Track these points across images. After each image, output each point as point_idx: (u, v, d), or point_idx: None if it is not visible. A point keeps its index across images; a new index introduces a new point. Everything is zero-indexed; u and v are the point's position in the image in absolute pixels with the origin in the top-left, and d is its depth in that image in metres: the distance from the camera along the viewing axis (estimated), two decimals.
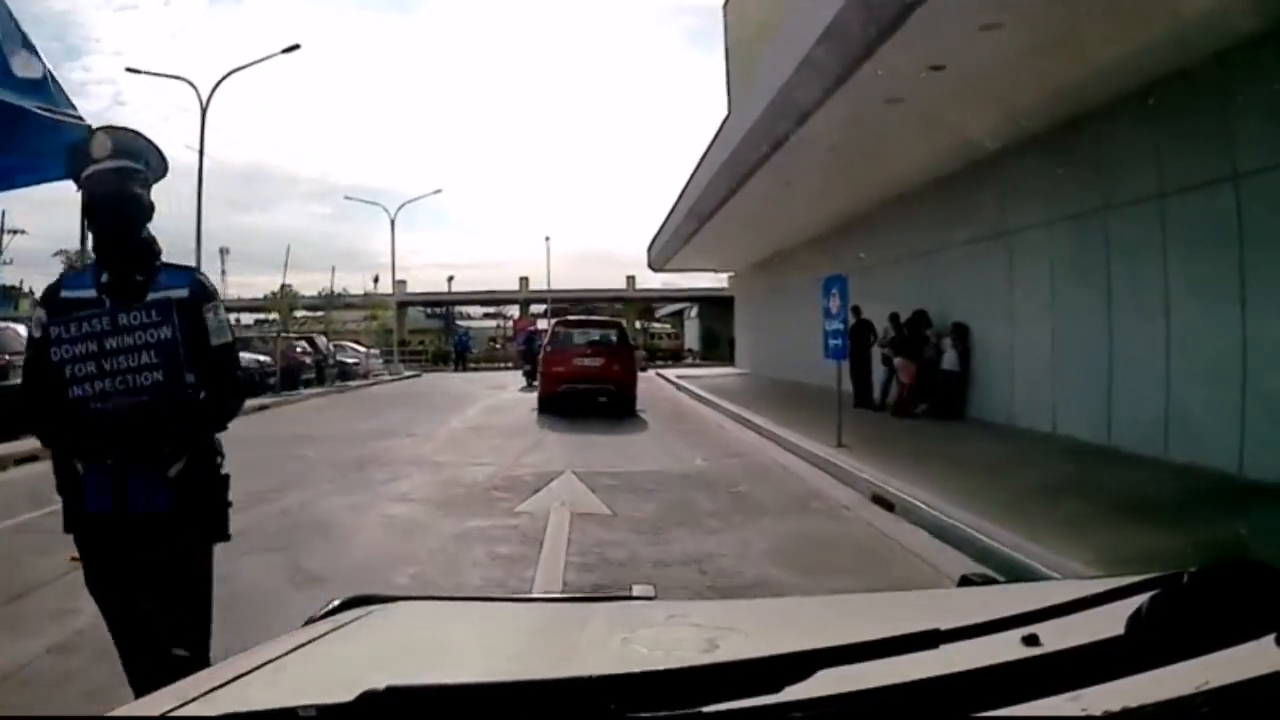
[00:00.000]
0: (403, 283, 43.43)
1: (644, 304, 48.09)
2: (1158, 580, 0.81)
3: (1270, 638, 0.67)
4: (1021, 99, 7.97)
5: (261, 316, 37.11)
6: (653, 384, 22.19)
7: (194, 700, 0.81)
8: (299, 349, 21.46)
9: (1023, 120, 8.73)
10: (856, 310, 12.89)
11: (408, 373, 29.06)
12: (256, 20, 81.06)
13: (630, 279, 45.32)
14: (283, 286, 19.99)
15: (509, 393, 19.42)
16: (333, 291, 24.20)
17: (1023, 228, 10.09)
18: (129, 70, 17.57)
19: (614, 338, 14.43)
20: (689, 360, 39.55)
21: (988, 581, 1.42)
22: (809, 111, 9.37)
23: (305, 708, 0.65)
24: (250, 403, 15.66)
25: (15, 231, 41.49)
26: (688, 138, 79.98)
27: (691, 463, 8.51)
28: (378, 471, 7.91)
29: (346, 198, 39.64)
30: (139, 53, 77.85)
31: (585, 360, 13.64)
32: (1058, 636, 0.75)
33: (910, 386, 12.06)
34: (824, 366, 16.11)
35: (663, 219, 24.49)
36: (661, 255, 26.48)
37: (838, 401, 9.15)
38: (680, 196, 20.54)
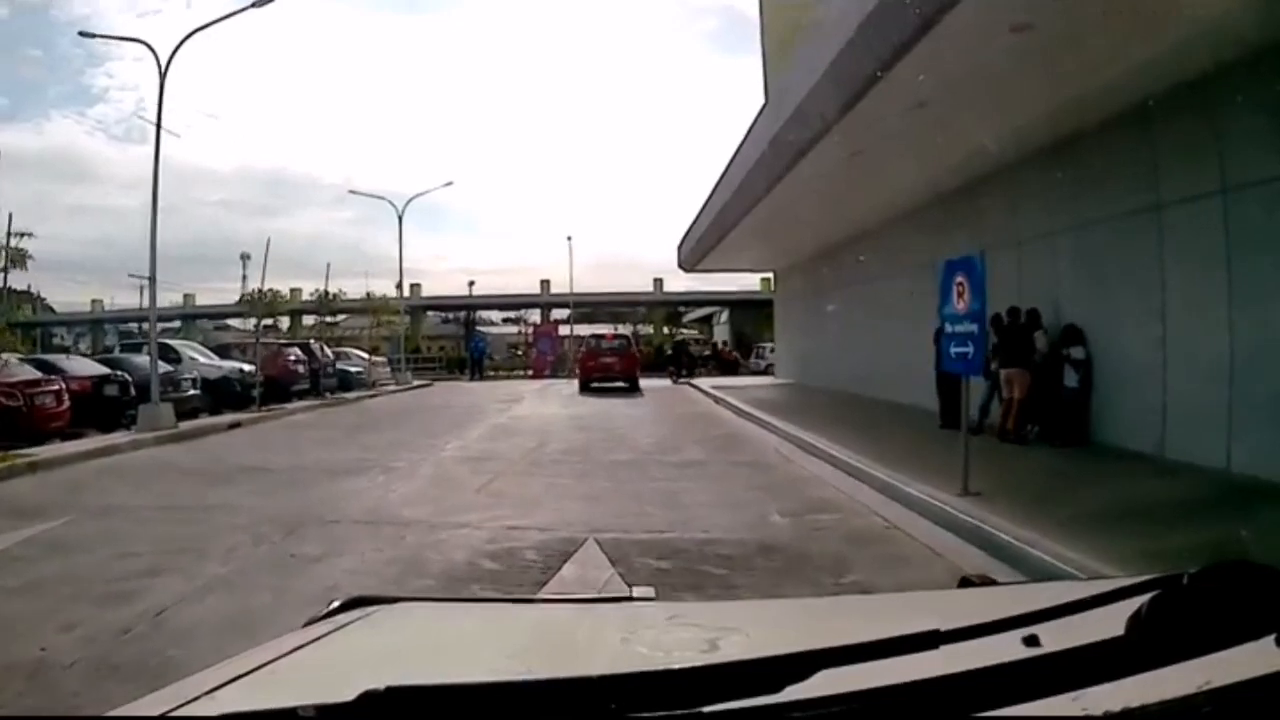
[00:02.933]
0: (417, 286, 41.51)
1: (671, 308, 45.55)
2: (1158, 581, 0.82)
3: (1270, 638, 0.67)
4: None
5: (269, 322, 34.96)
6: (684, 396, 19.69)
7: (195, 700, 0.81)
8: (292, 357, 19.31)
9: (1190, 52, 6.27)
10: None
11: (417, 382, 26.85)
12: (282, 25, 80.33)
13: (658, 282, 42.83)
14: (261, 288, 17.51)
15: (524, 406, 16.99)
16: (326, 293, 21.60)
17: (1186, 198, 7.55)
18: (82, 34, 15.44)
19: (623, 345, 21.99)
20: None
21: (988, 582, 1.36)
22: (900, 50, 6.97)
23: (305, 708, 0.65)
24: (221, 419, 13.53)
25: (23, 234, 40.02)
26: (713, 142, 77.80)
27: (766, 519, 5.98)
28: (312, 539, 5.44)
29: (351, 192, 37.04)
30: (162, 58, 77.23)
31: (605, 359, 20.99)
32: (1058, 637, 0.75)
33: (1020, 404, 9.47)
34: (897, 378, 13.83)
35: (694, 215, 22.22)
36: (693, 254, 24.00)
37: (963, 430, 6.64)
38: (714, 191, 18.32)
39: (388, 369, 26.30)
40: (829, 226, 16.65)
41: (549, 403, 18.06)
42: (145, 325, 44.16)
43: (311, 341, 20.92)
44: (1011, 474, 7.11)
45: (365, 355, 25.43)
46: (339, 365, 22.48)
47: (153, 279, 12.70)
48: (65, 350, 36.73)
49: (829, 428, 10.38)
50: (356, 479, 7.77)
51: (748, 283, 39.69)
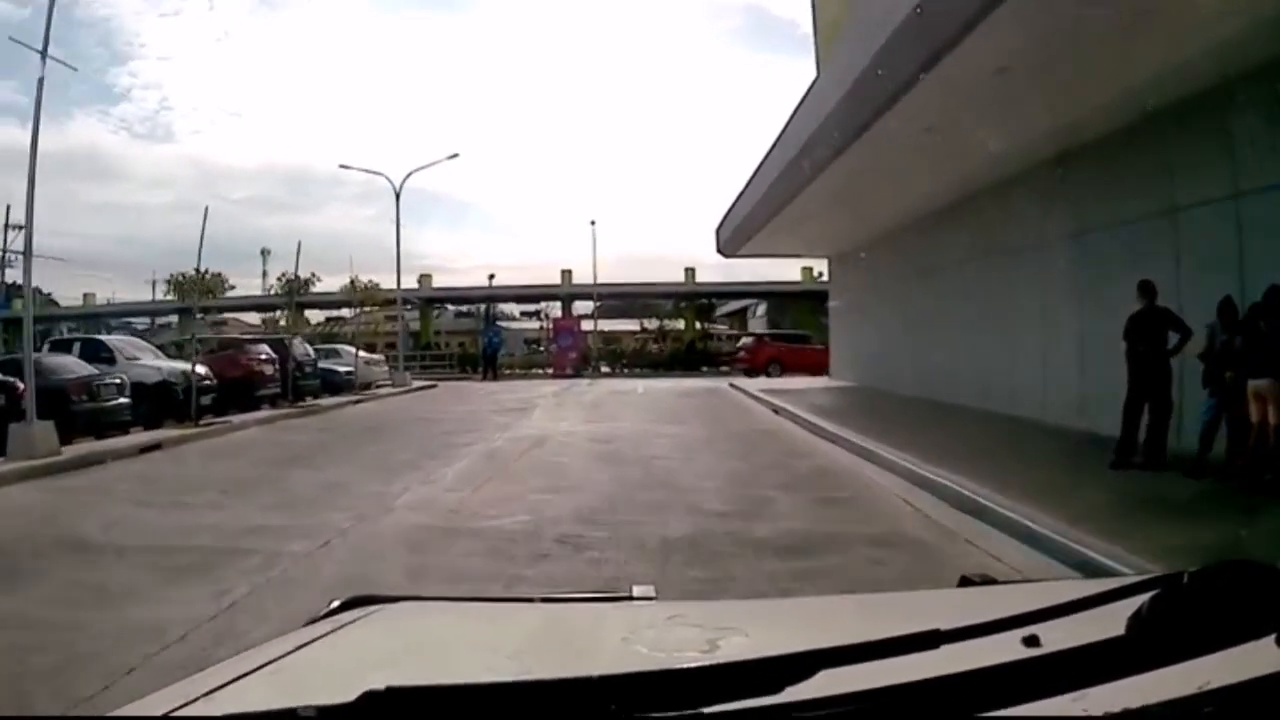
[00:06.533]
0: (428, 277, 38.32)
1: (704, 300, 41.81)
2: (1158, 580, 0.81)
3: (1270, 638, 0.67)
4: None
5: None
6: (734, 404, 16.18)
7: (196, 700, 0.80)
8: (260, 355, 16.15)
9: None
10: (1147, 289, 7.19)
11: (418, 384, 23.57)
12: (306, 22, 78.20)
13: (689, 272, 39.07)
14: (199, 271, 13.85)
15: (534, 419, 13.58)
16: (297, 279, 17.56)
17: None
18: None
19: (756, 341, 26.63)
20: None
21: (988, 582, 1.31)
22: None
23: (306, 708, 0.64)
24: (140, 438, 10.47)
25: (19, 227, 37.42)
26: (738, 136, 74.81)
27: None
28: None
29: (342, 166, 33.72)
30: (184, 57, 76.85)
31: (743, 352, 26.42)
32: (1058, 637, 0.74)
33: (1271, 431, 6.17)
34: (1007, 386, 11.13)
35: (737, 194, 19.18)
36: (735, 238, 20.66)
37: None
38: (761, 165, 15.73)
39: (385, 368, 23.05)
40: (916, 195, 13.21)
41: (567, 412, 14.68)
42: (141, 320, 41.68)
43: (292, 338, 17.55)
44: None
45: (362, 353, 22.14)
46: (325, 364, 19.36)
47: (27, 254, 9.52)
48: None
49: (966, 463, 7.15)
50: (195, 587, 4.33)
51: (782, 273, 36.27)
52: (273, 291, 16.52)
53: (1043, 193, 10.32)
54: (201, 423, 12.32)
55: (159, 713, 0.76)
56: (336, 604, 1.20)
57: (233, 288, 13.84)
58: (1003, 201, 11.45)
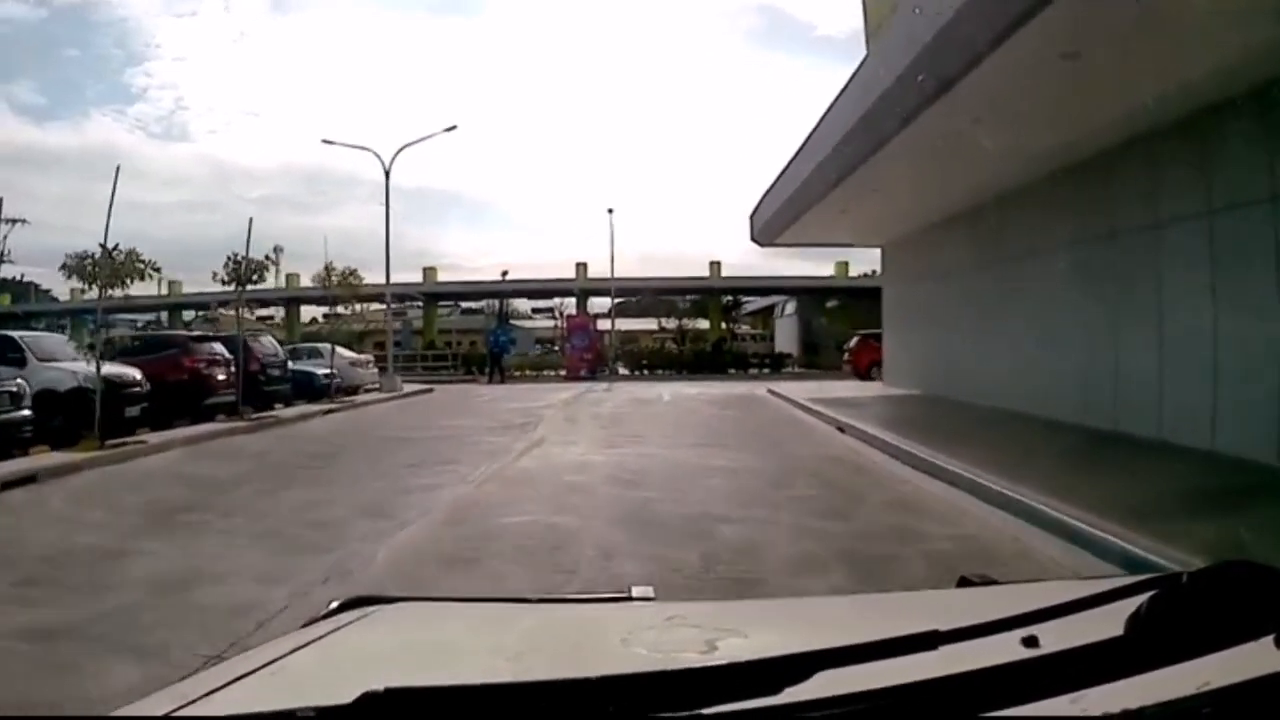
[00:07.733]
0: (432, 270, 35.87)
1: (729, 298, 38.93)
2: (1157, 581, 0.80)
3: (1269, 638, 0.66)
4: None
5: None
6: (785, 417, 13.39)
7: (195, 701, 0.79)
8: (213, 356, 13.55)
9: None
10: None
11: (411, 387, 20.92)
12: (319, 19, 76.81)
13: (714, 265, 36.21)
14: (104, 247, 10.73)
15: (538, 438, 10.73)
16: (247, 263, 13.80)
17: None
18: None
19: (860, 341, 23.21)
20: (790, 368, 30.45)
21: (987, 582, 1.27)
22: None
23: (304, 709, 0.63)
24: (11, 468, 7.98)
25: (15, 221, 34.92)
26: (758, 135, 73.49)
27: None
28: None
29: (324, 141, 31.84)
30: (201, 58, 77.52)
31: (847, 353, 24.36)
32: (1057, 637, 0.73)
33: None
34: (1152, 399, 8.62)
35: (779, 170, 16.72)
36: (773, 225, 17.87)
37: None
38: (815, 129, 13.09)
39: (374, 370, 20.42)
40: (1036, 147, 10.12)
41: (579, 430, 11.86)
42: (146, 316, 39.53)
43: (245, 334, 14.71)
44: None
45: (347, 353, 19.54)
46: (301, 366, 16.85)
47: None
48: None
49: (1193, 528, 4.73)
50: None
51: (819, 268, 33.60)
52: (217, 278, 13.06)
53: (1226, 137, 7.47)
54: (112, 442, 9.68)
55: (158, 713, 0.75)
56: (335, 605, 1.17)
57: (157, 269, 10.92)
58: (1154, 153, 8.59)
